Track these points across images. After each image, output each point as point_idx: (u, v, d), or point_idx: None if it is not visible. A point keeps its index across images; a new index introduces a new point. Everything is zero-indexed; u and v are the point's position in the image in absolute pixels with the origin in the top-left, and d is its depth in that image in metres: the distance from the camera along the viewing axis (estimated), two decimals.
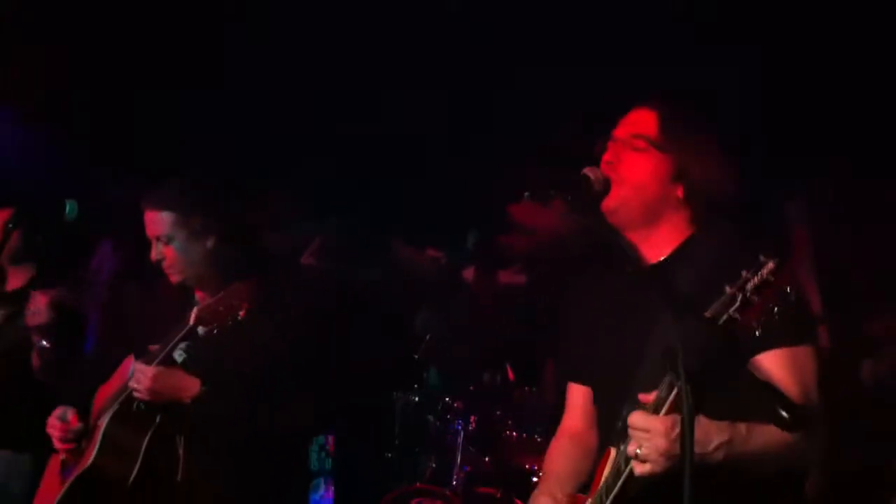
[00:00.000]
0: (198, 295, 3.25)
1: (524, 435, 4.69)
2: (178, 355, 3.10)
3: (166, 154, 5.31)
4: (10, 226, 3.68)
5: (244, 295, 2.99)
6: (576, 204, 2.28)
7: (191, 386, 3.01)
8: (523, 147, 5.03)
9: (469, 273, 5.45)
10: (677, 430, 1.94)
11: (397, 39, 4.92)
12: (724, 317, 1.90)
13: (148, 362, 3.06)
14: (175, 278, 3.22)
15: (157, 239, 3.19)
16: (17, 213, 3.73)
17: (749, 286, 1.87)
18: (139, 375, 3.03)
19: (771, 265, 1.86)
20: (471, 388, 4.92)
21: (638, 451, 2.01)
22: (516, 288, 5.40)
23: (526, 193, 2.25)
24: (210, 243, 3.20)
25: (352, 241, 5.73)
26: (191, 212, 3.18)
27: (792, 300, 1.91)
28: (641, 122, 2.40)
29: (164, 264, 3.20)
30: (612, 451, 2.25)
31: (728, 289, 1.91)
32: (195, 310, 3.01)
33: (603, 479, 2.23)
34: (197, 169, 5.25)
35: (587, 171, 2.34)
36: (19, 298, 4.01)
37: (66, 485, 3.15)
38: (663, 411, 2.02)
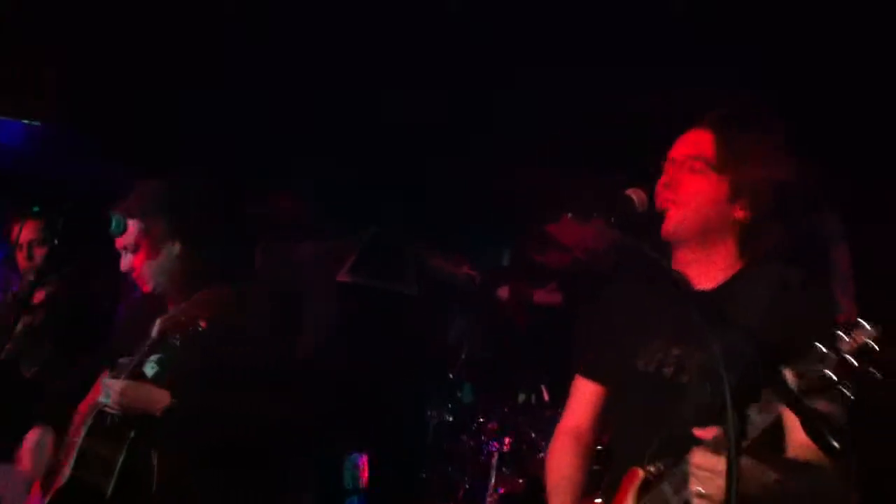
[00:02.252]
0: (169, 305, 3.20)
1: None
2: (150, 368, 3.07)
3: (166, 154, 5.32)
4: (54, 240, 3.61)
5: (206, 305, 2.97)
6: (619, 224, 2.28)
7: (161, 398, 2.97)
8: (523, 147, 5.04)
9: (504, 292, 5.45)
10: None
11: (397, 39, 4.92)
12: (817, 373, 1.89)
13: (117, 376, 3.03)
14: (146, 288, 3.19)
15: (125, 249, 3.17)
16: (57, 225, 3.72)
17: (845, 347, 1.87)
18: (107, 389, 2.99)
19: (872, 331, 1.86)
20: (505, 408, 4.88)
21: (701, 489, 2.01)
22: (551, 306, 5.38)
23: (569, 214, 2.25)
24: (176, 249, 3.18)
25: (388, 255, 5.73)
26: (154, 218, 3.16)
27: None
28: (698, 142, 2.41)
29: (134, 274, 3.17)
30: (640, 473, 2.24)
31: (819, 346, 1.90)
32: (158, 321, 2.98)
33: (651, 495, 2.19)
34: (197, 168, 5.29)
35: (630, 192, 2.34)
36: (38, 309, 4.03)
37: (45, 502, 3.12)
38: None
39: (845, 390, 1.87)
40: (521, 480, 4.66)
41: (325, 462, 5.40)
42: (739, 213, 2.38)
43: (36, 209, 4.19)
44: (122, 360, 3.09)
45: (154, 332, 2.98)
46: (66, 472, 3.05)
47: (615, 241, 2.34)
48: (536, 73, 4.86)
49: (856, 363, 1.85)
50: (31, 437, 3.30)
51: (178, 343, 2.99)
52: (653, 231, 2.37)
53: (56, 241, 3.43)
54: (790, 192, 2.39)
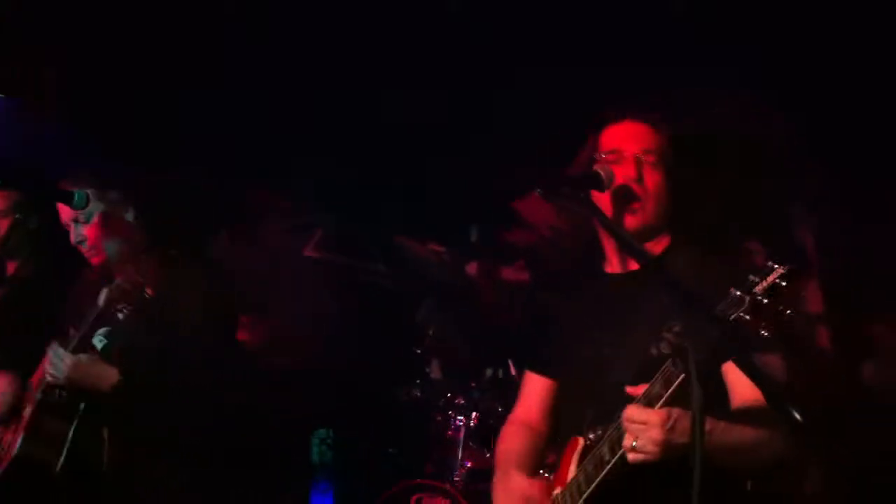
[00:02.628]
0: (116, 276, 3.18)
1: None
2: (98, 341, 3.07)
3: (166, 153, 5.31)
4: (18, 214, 3.62)
5: (150, 271, 2.96)
6: (586, 201, 2.32)
7: (109, 375, 2.95)
8: (523, 147, 5.03)
9: (472, 268, 5.46)
10: (671, 422, 2.05)
11: (397, 39, 4.92)
12: (733, 316, 1.96)
13: (65, 347, 3.01)
14: (97, 259, 3.17)
15: (76, 221, 3.14)
16: (21, 199, 3.69)
17: (758, 289, 1.93)
18: (56, 361, 2.97)
19: (781, 270, 1.92)
20: (472, 383, 4.91)
21: (634, 442, 2.08)
22: (519, 283, 5.41)
23: (538, 190, 2.31)
24: (129, 215, 3.15)
25: (354, 234, 5.74)
26: (107, 186, 3.14)
27: (802, 307, 1.99)
28: (644, 137, 2.50)
29: (86, 244, 3.15)
30: (581, 441, 2.34)
31: (734, 291, 1.97)
32: (105, 290, 2.97)
33: (579, 467, 2.28)
34: (197, 168, 5.30)
35: (598, 168, 2.42)
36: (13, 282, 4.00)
37: None
38: (659, 405, 2.11)
39: (762, 330, 1.93)
40: (487, 454, 4.67)
41: (292, 437, 5.40)
42: (673, 203, 2.51)
43: None
44: (71, 332, 3.06)
45: (100, 301, 2.96)
46: (15, 447, 3.04)
47: (581, 217, 2.44)
48: (536, 74, 4.86)
49: (766, 301, 1.91)
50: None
51: (125, 313, 2.94)
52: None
53: (18, 216, 3.45)
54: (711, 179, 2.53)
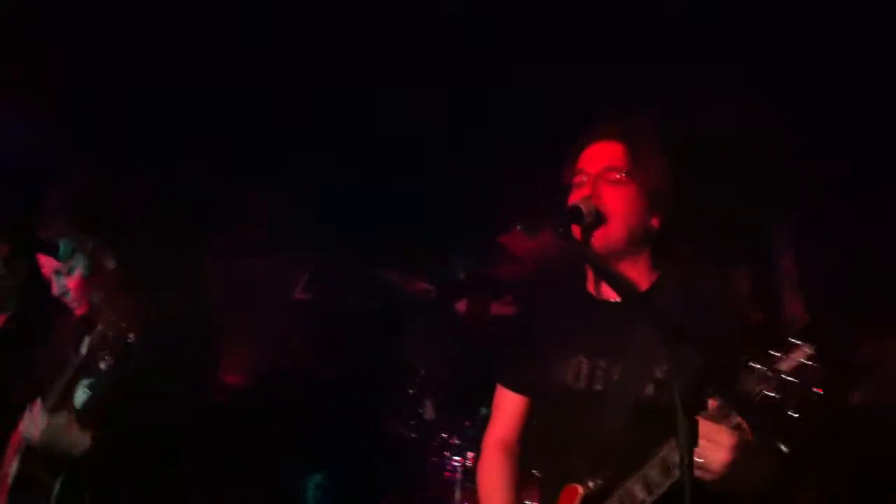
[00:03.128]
0: (99, 324, 3.08)
1: (522, 471, 4.66)
2: (83, 391, 3.00)
3: (166, 154, 5.31)
4: None
5: (130, 315, 2.87)
6: (567, 235, 2.30)
7: (79, 441, 2.90)
8: (523, 147, 5.03)
9: (462, 305, 5.44)
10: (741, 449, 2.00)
11: (397, 39, 4.92)
12: (760, 395, 1.91)
13: (44, 405, 2.95)
14: (81, 310, 3.11)
15: (58, 273, 3.07)
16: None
17: (784, 367, 1.89)
18: (29, 424, 2.93)
19: (807, 349, 1.87)
20: (467, 423, 4.86)
21: (700, 459, 2.00)
22: (508, 318, 5.36)
23: (518, 226, 2.28)
24: (110, 264, 3.10)
25: (342, 272, 5.71)
26: (84, 233, 3.07)
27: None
28: (610, 154, 2.45)
29: (70, 296, 3.08)
30: (580, 490, 2.25)
31: (754, 364, 1.92)
32: (87, 339, 2.91)
33: None
34: (196, 169, 5.30)
35: (579, 202, 2.37)
36: None
37: None
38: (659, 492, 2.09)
39: (791, 411, 1.89)
40: None
41: (286, 484, 5.37)
42: (654, 223, 2.43)
43: None
44: (53, 387, 2.99)
45: (83, 349, 2.89)
46: (3, 500, 3.00)
47: (564, 251, 2.39)
48: (536, 73, 4.86)
49: (797, 381, 1.86)
50: None
51: (107, 362, 2.90)
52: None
53: (3, 271, 3.41)
54: (695, 201, 2.46)
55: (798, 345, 1.88)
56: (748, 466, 2.02)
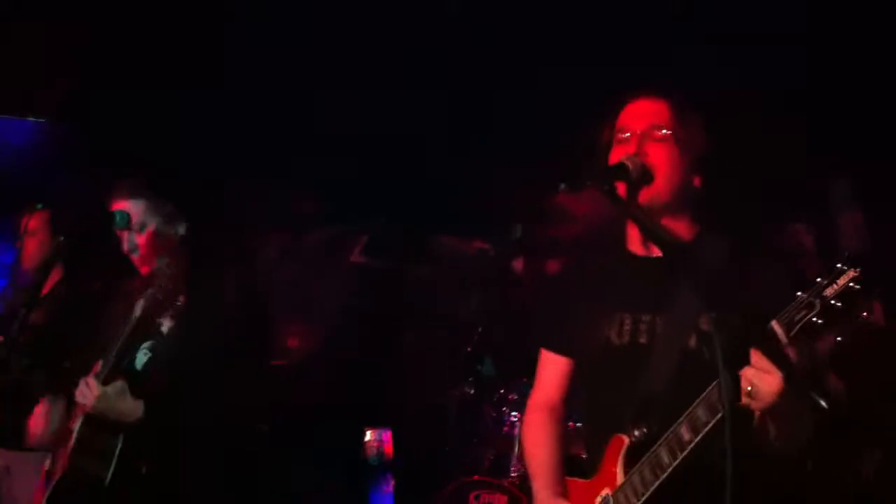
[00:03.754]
0: (150, 287, 3.13)
1: (580, 424, 4.68)
2: (144, 354, 3.06)
3: (166, 154, 5.31)
4: (60, 237, 3.65)
5: (179, 278, 2.93)
6: (612, 192, 2.28)
7: (131, 411, 2.97)
8: (523, 147, 5.04)
9: (518, 264, 5.44)
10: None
11: (397, 40, 4.92)
12: (803, 321, 1.91)
13: (99, 372, 3.01)
14: (146, 268, 3.18)
15: (129, 229, 3.15)
16: (58, 219, 3.73)
17: (829, 292, 1.88)
18: (85, 390, 2.99)
19: (853, 273, 1.86)
20: (524, 379, 4.85)
21: (749, 388, 1.99)
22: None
23: (561, 185, 2.26)
24: (181, 229, 3.18)
25: (398, 237, 5.74)
26: (163, 197, 3.17)
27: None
28: (655, 112, 2.43)
29: (138, 254, 3.16)
30: (625, 440, 2.27)
31: (801, 294, 1.92)
32: (140, 301, 2.96)
33: (631, 469, 2.23)
34: (196, 169, 5.29)
35: (625, 159, 2.35)
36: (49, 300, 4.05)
37: (49, 489, 3.13)
38: (704, 431, 2.07)
39: (834, 335, 1.88)
40: None
41: (349, 439, 5.43)
42: (696, 182, 2.42)
43: (39, 206, 4.21)
44: (107, 353, 3.06)
45: (136, 311, 2.95)
46: (66, 459, 3.06)
47: (609, 208, 2.37)
48: (536, 73, 4.87)
49: (841, 306, 1.85)
50: (40, 407, 3.31)
51: (170, 327, 2.96)
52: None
53: (61, 237, 3.48)
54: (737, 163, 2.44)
55: (844, 270, 1.86)
56: (794, 406, 2.02)
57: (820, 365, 2.12)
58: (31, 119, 5.26)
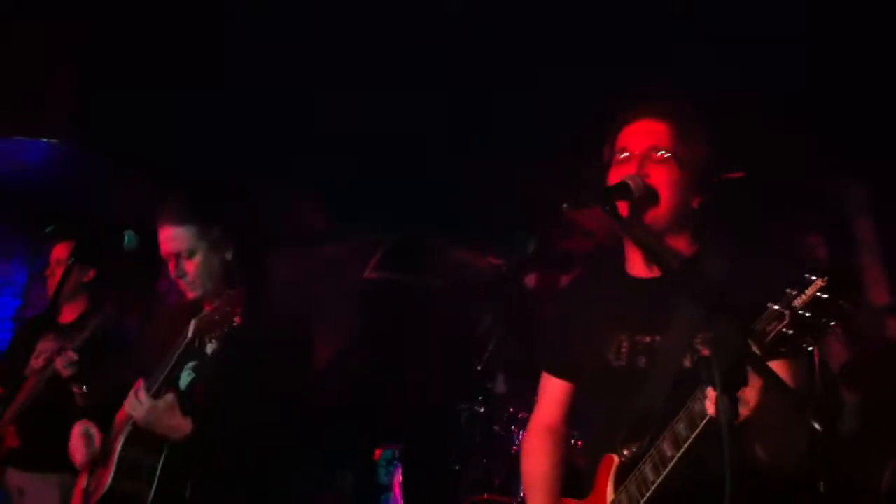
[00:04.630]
0: (206, 308, 3.21)
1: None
2: (187, 374, 3.09)
3: (166, 155, 5.31)
4: (72, 260, 3.73)
5: (238, 301, 2.97)
6: (613, 212, 2.29)
7: (181, 426, 2.99)
8: (523, 147, 5.04)
9: (532, 279, 5.44)
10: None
11: (397, 40, 4.92)
12: (774, 333, 1.91)
13: (149, 387, 3.04)
14: (193, 293, 3.21)
15: (178, 255, 3.18)
16: (78, 247, 3.79)
17: (797, 303, 1.87)
18: (135, 402, 3.01)
19: (820, 283, 1.85)
20: (535, 397, 4.85)
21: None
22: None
23: (564, 204, 2.27)
24: (228, 254, 3.21)
25: (412, 253, 5.74)
26: (211, 223, 3.20)
27: (849, 315, 1.91)
28: (655, 133, 2.45)
29: (186, 280, 3.19)
30: (615, 459, 2.29)
31: (773, 306, 1.91)
32: (193, 322, 2.98)
33: (619, 488, 2.26)
34: (197, 169, 5.30)
35: (627, 179, 2.37)
36: (72, 330, 4.08)
37: None
38: (685, 447, 2.10)
39: (805, 345, 1.89)
40: None
41: (359, 458, 5.44)
42: (695, 203, 2.44)
43: (50, 229, 4.26)
44: (157, 369, 3.09)
45: (189, 331, 2.96)
46: (107, 481, 3.08)
47: (610, 227, 2.38)
48: (536, 74, 4.87)
49: (809, 315, 1.85)
50: (77, 429, 3.32)
51: (214, 348, 2.97)
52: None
53: (73, 261, 3.55)
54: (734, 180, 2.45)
55: (811, 280, 1.86)
56: (780, 420, 2.03)
57: (811, 381, 2.13)
58: (44, 140, 5.27)
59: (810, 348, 1.91)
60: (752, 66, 4.39)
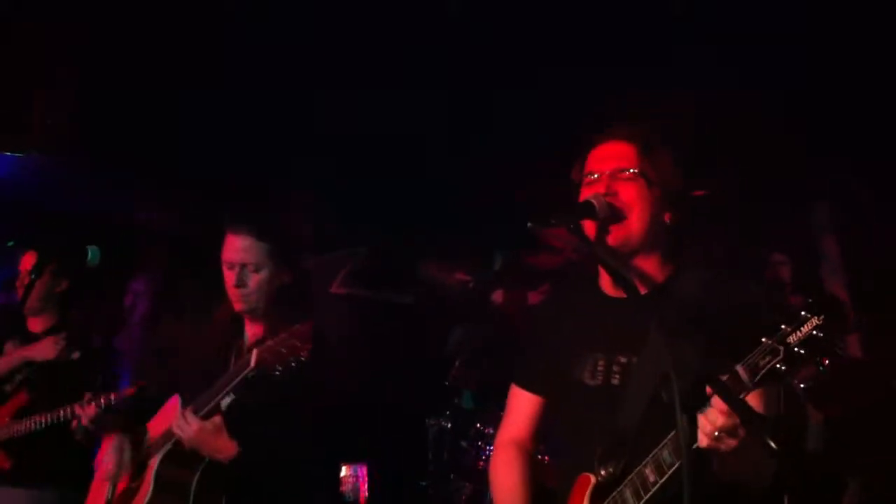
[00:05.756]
0: (250, 328, 3.24)
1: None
2: (228, 396, 3.07)
3: (166, 156, 5.32)
4: (33, 276, 3.73)
5: (307, 336, 2.93)
6: (577, 231, 2.30)
7: (227, 448, 3.01)
8: (523, 147, 5.04)
9: (498, 295, 5.45)
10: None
11: (397, 39, 4.92)
12: (767, 367, 1.95)
13: (198, 409, 3.05)
14: (241, 306, 3.21)
15: (243, 265, 3.18)
16: (40, 260, 3.80)
17: (792, 340, 1.92)
18: (183, 423, 3.03)
19: (815, 321, 1.90)
20: (501, 412, 4.85)
21: (717, 432, 2.03)
22: None
23: (529, 224, 2.28)
24: (288, 278, 3.22)
25: (381, 265, 5.73)
26: (284, 245, 3.21)
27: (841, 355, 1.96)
28: (622, 155, 2.47)
29: (242, 291, 3.18)
30: (592, 479, 2.30)
31: (766, 340, 1.96)
32: (255, 352, 2.93)
33: (611, 500, 2.26)
34: (196, 169, 5.30)
35: (591, 198, 2.38)
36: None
37: None
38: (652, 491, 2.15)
39: (801, 384, 1.92)
40: None
41: (324, 475, 5.41)
42: (667, 218, 2.46)
43: (10, 244, 4.26)
44: (208, 391, 3.08)
45: (252, 362, 2.93)
46: (145, 496, 3.10)
47: (575, 247, 2.41)
48: (536, 74, 4.87)
49: (804, 353, 1.89)
50: (112, 440, 3.33)
51: (277, 373, 2.95)
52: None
53: (33, 276, 3.53)
54: (705, 199, 2.47)
55: (807, 318, 1.90)
56: (753, 447, 2.04)
57: (778, 408, 2.17)
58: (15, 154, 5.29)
59: (802, 385, 1.95)
60: (752, 66, 4.40)
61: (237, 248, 3.18)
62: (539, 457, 2.72)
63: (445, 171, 5.43)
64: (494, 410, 4.85)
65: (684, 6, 4.42)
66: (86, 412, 3.38)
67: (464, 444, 4.91)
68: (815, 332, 1.89)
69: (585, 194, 2.45)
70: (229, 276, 3.20)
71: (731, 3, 4.34)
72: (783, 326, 1.93)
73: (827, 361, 1.93)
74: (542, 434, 2.67)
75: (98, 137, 5.24)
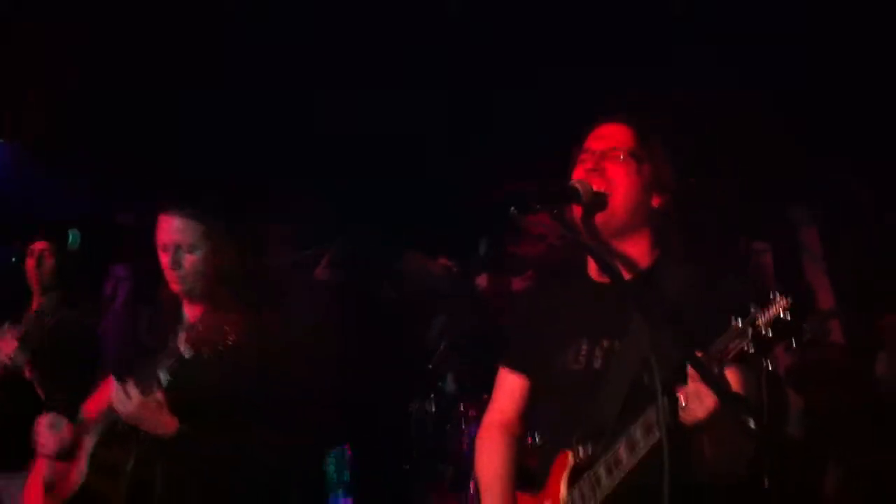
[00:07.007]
0: (189, 310, 3.19)
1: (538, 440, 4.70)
2: (163, 376, 3.03)
3: (166, 156, 5.31)
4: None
5: (237, 327, 2.93)
6: (560, 216, 2.29)
7: (168, 424, 2.97)
8: (523, 147, 5.04)
9: (483, 280, 5.46)
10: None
11: (397, 40, 4.93)
12: (736, 350, 1.94)
13: (137, 384, 3.00)
14: (178, 286, 3.16)
15: (178, 246, 3.13)
16: (54, 244, 3.79)
17: (760, 322, 1.91)
18: (124, 398, 2.99)
19: (784, 303, 1.88)
20: (485, 396, 4.86)
21: (684, 404, 2.03)
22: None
23: (511, 209, 2.26)
24: (227, 260, 3.17)
25: (364, 252, 5.73)
26: (219, 225, 3.15)
27: (807, 338, 1.94)
28: (617, 135, 2.46)
29: (178, 273, 3.13)
30: (570, 457, 2.30)
31: (735, 322, 1.95)
32: (184, 335, 2.94)
33: (571, 487, 2.28)
34: (196, 170, 5.30)
35: (575, 182, 2.36)
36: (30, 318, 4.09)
37: None
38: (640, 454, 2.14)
39: (765, 361, 1.92)
40: None
41: (308, 457, 5.41)
42: (655, 202, 2.43)
43: (14, 259, 4.25)
44: (147, 367, 3.05)
45: (180, 345, 2.93)
46: (77, 478, 3.06)
47: (559, 233, 2.40)
48: (536, 74, 4.87)
49: (771, 335, 1.88)
50: (45, 419, 3.28)
51: (202, 358, 2.95)
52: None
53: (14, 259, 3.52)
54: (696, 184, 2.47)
55: (774, 298, 1.89)
56: (730, 428, 2.05)
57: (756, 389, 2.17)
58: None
59: (770, 367, 1.95)
60: (752, 66, 4.40)
61: (169, 228, 3.13)
62: (528, 440, 2.71)
63: (445, 171, 5.43)
64: (478, 394, 4.88)
65: (684, 6, 4.42)
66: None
67: (447, 427, 4.92)
68: (782, 315, 1.87)
69: (576, 174, 2.42)
70: (164, 259, 3.16)
71: (731, 3, 4.35)
72: (752, 308, 1.92)
73: (794, 344, 1.90)
74: (529, 416, 2.66)
75: (98, 137, 5.24)
